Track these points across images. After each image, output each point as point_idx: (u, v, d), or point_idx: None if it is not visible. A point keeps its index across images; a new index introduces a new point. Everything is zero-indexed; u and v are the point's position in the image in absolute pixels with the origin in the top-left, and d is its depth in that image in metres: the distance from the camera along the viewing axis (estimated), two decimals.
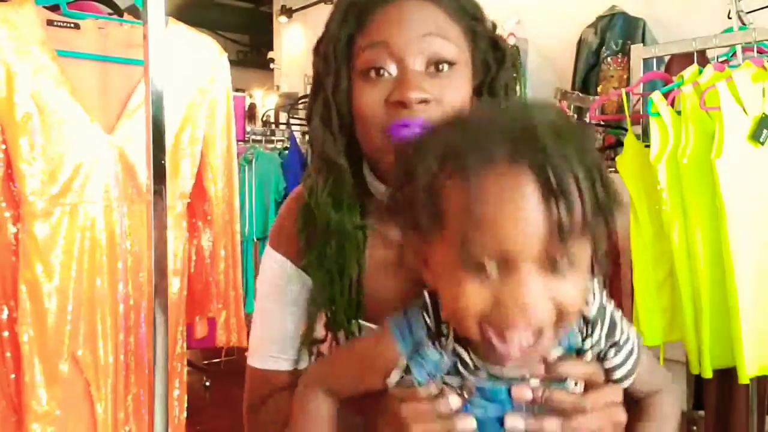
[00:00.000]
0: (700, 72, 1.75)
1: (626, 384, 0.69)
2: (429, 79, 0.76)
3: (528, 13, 3.28)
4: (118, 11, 1.67)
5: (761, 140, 1.64)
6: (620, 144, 2.13)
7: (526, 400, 0.63)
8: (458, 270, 0.57)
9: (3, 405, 1.49)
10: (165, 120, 1.29)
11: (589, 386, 0.67)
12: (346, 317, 0.82)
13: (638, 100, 2.10)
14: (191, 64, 1.65)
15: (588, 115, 2.44)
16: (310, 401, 0.73)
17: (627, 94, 1.93)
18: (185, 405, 1.70)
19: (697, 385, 2.11)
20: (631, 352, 0.68)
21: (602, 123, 2.50)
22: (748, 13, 2.16)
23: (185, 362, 1.73)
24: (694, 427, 2.34)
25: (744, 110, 1.65)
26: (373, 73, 0.77)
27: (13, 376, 1.48)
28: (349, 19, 0.80)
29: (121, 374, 1.56)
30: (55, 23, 1.51)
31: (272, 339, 0.88)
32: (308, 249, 0.83)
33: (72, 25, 1.54)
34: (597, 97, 2.60)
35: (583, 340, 0.66)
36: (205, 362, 3.86)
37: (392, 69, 0.77)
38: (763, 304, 1.67)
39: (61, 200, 1.47)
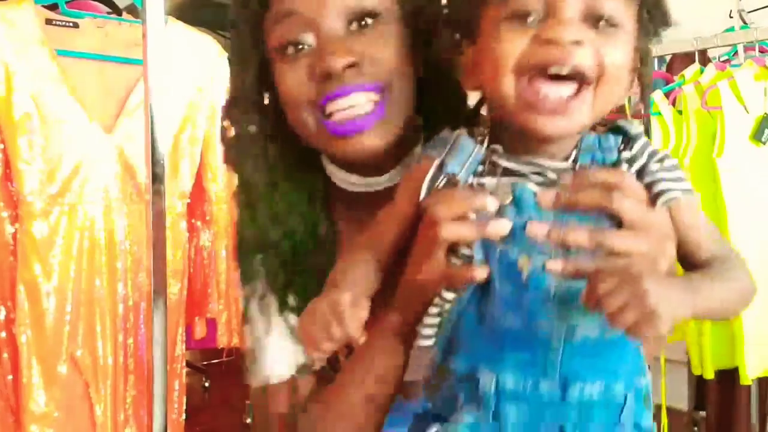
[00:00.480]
0: (702, 71, 1.75)
1: (671, 201, 0.58)
2: (354, 38, 0.67)
3: None
4: (117, 10, 1.66)
5: (762, 139, 1.64)
6: None
7: (550, 203, 0.57)
8: (501, 23, 0.56)
9: (1, 406, 1.49)
10: (164, 120, 1.29)
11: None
12: None
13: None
14: (191, 63, 1.65)
15: None
16: (349, 255, 0.66)
17: None
18: (184, 406, 1.69)
19: (698, 386, 2.11)
20: (679, 179, 0.59)
21: (603, 123, 2.49)
22: (749, 12, 2.16)
23: (184, 363, 1.73)
24: (696, 428, 2.34)
25: (745, 109, 1.65)
26: (290, 50, 0.67)
27: (10, 377, 1.48)
28: (251, 1, 0.71)
29: (120, 375, 1.55)
30: (54, 22, 1.51)
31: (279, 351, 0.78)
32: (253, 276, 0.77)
33: (71, 24, 1.53)
34: None
35: (620, 152, 0.60)
36: (205, 363, 3.85)
37: (309, 39, 0.67)
38: (764, 305, 1.65)
39: (59, 200, 1.47)
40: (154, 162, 1.27)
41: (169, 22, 1.59)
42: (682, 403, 2.23)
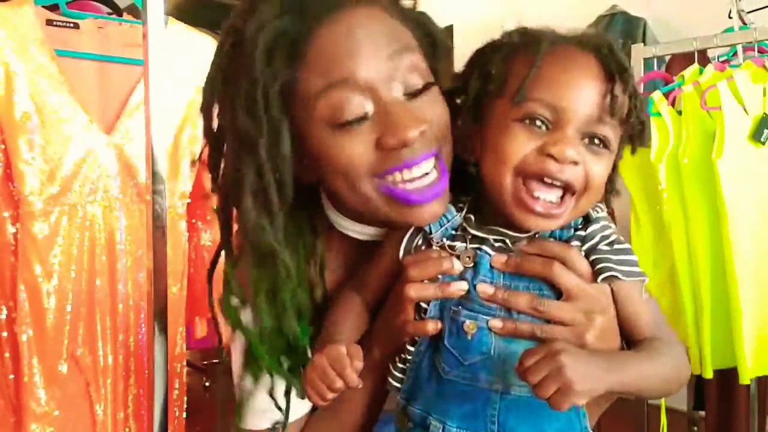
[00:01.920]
0: (701, 72, 1.74)
1: (610, 279, 0.66)
2: (412, 104, 0.65)
3: (528, 13, 3.28)
4: (117, 11, 1.67)
5: (762, 140, 1.64)
6: None
7: (501, 266, 0.66)
8: (512, 122, 0.64)
9: (2, 405, 1.49)
10: (164, 120, 1.29)
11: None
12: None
13: None
14: (191, 63, 1.65)
15: None
16: (343, 295, 0.74)
17: None
18: (185, 405, 1.70)
19: (697, 386, 2.11)
20: (625, 262, 0.66)
21: None
22: (748, 12, 2.16)
23: (185, 363, 1.73)
24: (695, 428, 2.34)
25: (745, 110, 1.65)
26: (348, 118, 0.63)
27: (12, 376, 1.48)
28: (279, 56, 0.63)
29: (120, 375, 1.55)
30: (55, 23, 1.51)
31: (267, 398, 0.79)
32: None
33: (71, 24, 1.53)
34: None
35: (576, 230, 0.68)
36: (205, 362, 3.85)
37: (368, 107, 0.63)
38: (763, 305, 1.66)
39: (60, 200, 1.47)
40: (155, 162, 1.28)
41: (170, 23, 1.60)
42: (682, 403, 2.23)
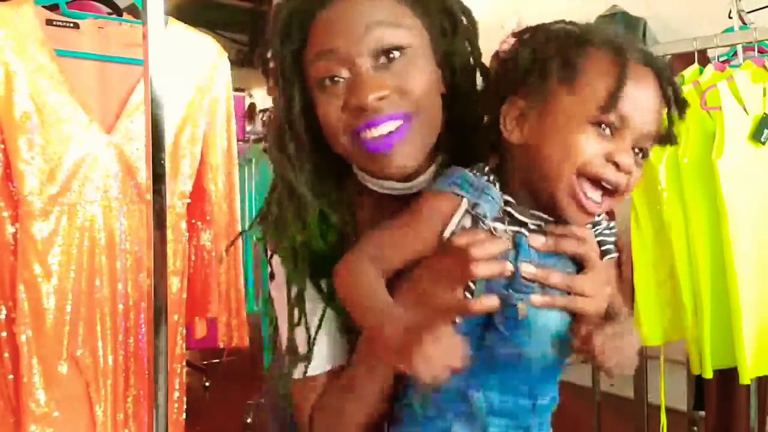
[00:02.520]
0: (701, 71, 1.75)
1: (612, 257, 0.78)
2: (383, 72, 0.75)
3: (528, 13, 3.28)
4: (117, 11, 1.67)
5: (762, 140, 1.64)
6: None
7: (542, 246, 0.73)
8: (582, 123, 0.69)
9: (1, 406, 1.49)
10: (164, 120, 1.29)
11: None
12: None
13: None
14: (191, 63, 1.65)
15: None
16: (356, 266, 0.75)
17: None
18: (185, 406, 1.69)
19: (698, 386, 2.11)
20: (615, 241, 0.78)
21: None
22: (748, 12, 2.16)
23: (185, 363, 1.73)
24: (695, 428, 2.34)
25: (745, 110, 1.65)
26: (327, 82, 0.76)
27: (11, 376, 1.48)
28: (293, 32, 0.79)
29: (120, 375, 1.55)
30: (55, 23, 1.51)
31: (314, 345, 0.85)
32: (288, 266, 0.83)
33: (71, 24, 1.53)
34: None
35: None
36: (205, 362, 3.85)
37: (344, 73, 0.76)
38: (764, 304, 1.66)
39: (59, 200, 1.47)
40: (155, 162, 1.28)
41: (170, 23, 1.60)
42: (682, 403, 2.23)
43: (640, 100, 0.70)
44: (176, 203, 1.63)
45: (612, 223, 0.78)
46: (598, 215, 0.74)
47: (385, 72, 0.75)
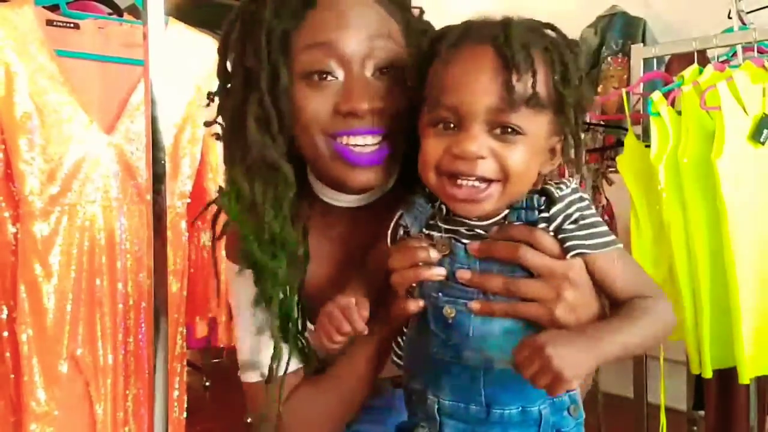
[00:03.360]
0: (701, 72, 1.75)
1: (579, 255, 0.71)
2: (376, 85, 0.74)
3: (528, 13, 3.27)
4: (117, 11, 1.67)
5: (761, 140, 1.64)
6: (620, 144, 2.13)
7: (476, 251, 0.71)
8: (426, 128, 0.70)
9: (2, 405, 1.49)
10: (165, 120, 1.29)
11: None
12: (293, 323, 0.82)
13: (638, 100, 2.10)
14: (191, 63, 1.65)
15: (588, 115, 2.43)
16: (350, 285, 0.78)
17: (627, 93, 1.93)
18: (185, 405, 1.70)
19: (697, 385, 2.11)
20: (593, 235, 0.71)
21: (602, 123, 2.50)
22: (748, 12, 2.16)
23: (185, 362, 1.73)
24: (695, 427, 2.34)
25: (744, 110, 1.65)
26: (316, 77, 0.73)
27: (12, 376, 1.48)
28: (286, 10, 0.74)
29: (120, 374, 1.56)
30: (55, 23, 1.51)
31: (260, 352, 0.85)
32: (248, 261, 0.80)
33: (72, 25, 1.54)
34: (597, 97, 2.60)
35: (540, 212, 0.72)
36: (205, 362, 3.86)
37: (338, 73, 0.73)
38: (763, 304, 1.66)
39: (60, 200, 1.47)
40: (155, 162, 1.28)
41: (170, 23, 1.60)
42: (681, 403, 2.23)
43: (465, 83, 0.66)
44: (176, 203, 1.63)
45: (577, 216, 0.71)
46: (488, 201, 0.69)
47: (377, 86, 0.75)
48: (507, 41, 0.66)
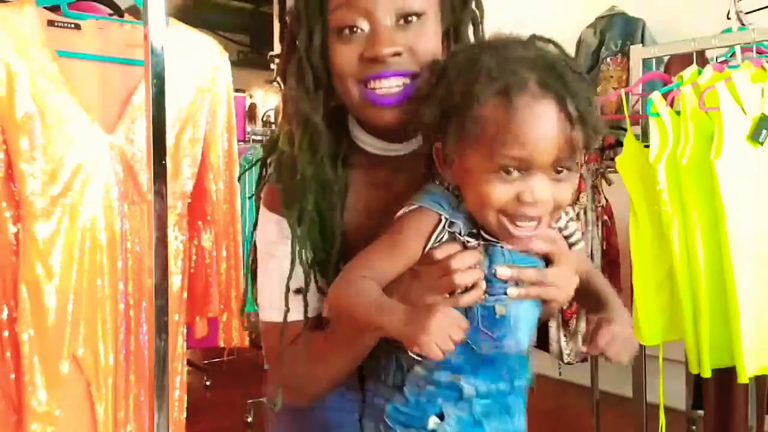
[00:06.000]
0: (700, 72, 1.75)
1: (578, 248, 0.88)
2: (399, 32, 0.82)
3: (527, 13, 3.28)
4: (118, 11, 1.67)
5: (760, 140, 1.65)
6: (620, 144, 2.14)
7: (514, 247, 0.79)
8: (488, 173, 0.75)
9: (3, 405, 1.49)
10: (165, 120, 1.30)
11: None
12: (331, 263, 0.89)
13: (637, 100, 2.10)
14: (192, 64, 1.65)
15: None
16: (354, 280, 0.80)
17: (626, 94, 1.94)
18: (185, 405, 1.70)
19: (696, 385, 2.11)
20: (577, 229, 0.89)
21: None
22: (747, 13, 2.17)
23: (185, 362, 1.73)
24: (694, 427, 2.35)
25: (743, 110, 1.65)
26: (347, 31, 0.82)
27: (13, 376, 1.48)
28: None
29: (121, 374, 1.56)
30: (56, 24, 1.52)
31: (280, 293, 0.90)
32: (289, 202, 0.88)
33: (72, 25, 1.54)
34: (596, 98, 2.60)
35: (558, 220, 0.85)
36: (205, 362, 3.86)
37: (364, 25, 0.82)
38: (762, 304, 1.67)
39: (61, 200, 1.48)
40: (156, 162, 1.28)
41: (171, 23, 1.60)
42: (680, 402, 2.24)
43: (536, 134, 0.72)
44: (177, 203, 1.64)
45: (571, 213, 0.87)
46: (537, 236, 0.79)
47: (402, 32, 0.82)
48: (570, 96, 0.73)
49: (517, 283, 0.80)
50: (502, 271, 0.79)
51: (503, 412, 0.83)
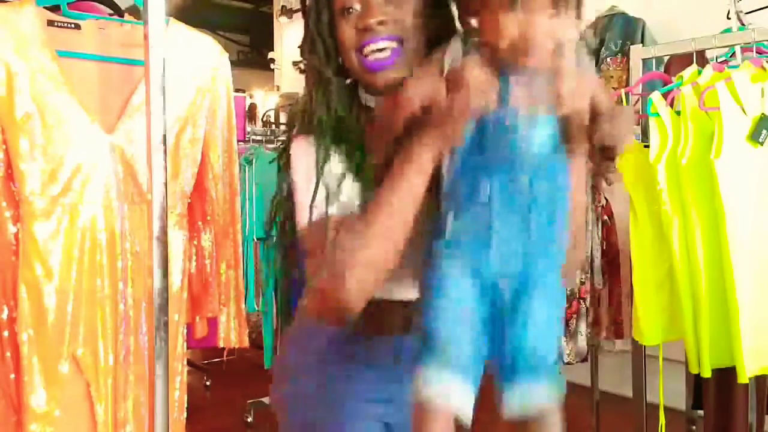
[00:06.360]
0: (700, 72, 1.75)
1: None
2: (385, 5, 0.98)
3: None
4: (118, 11, 1.67)
5: (760, 140, 1.65)
6: None
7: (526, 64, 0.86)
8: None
9: (2, 405, 1.49)
10: (165, 120, 1.30)
11: None
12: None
13: (638, 100, 2.10)
14: (192, 64, 1.65)
15: None
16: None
17: (626, 94, 1.94)
18: (185, 405, 1.70)
19: (696, 385, 2.11)
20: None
21: None
22: (747, 13, 2.17)
23: (185, 362, 1.73)
24: (694, 427, 2.35)
25: (743, 110, 1.66)
26: (346, 12, 1.00)
27: (13, 376, 1.48)
28: None
29: (121, 374, 1.56)
30: (56, 24, 1.52)
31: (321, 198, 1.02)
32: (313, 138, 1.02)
33: (72, 25, 1.54)
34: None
35: None
36: (205, 362, 3.86)
37: (357, 6, 0.99)
38: (762, 304, 1.67)
39: (61, 200, 1.48)
40: (156, 162, 1.28)
41: (171, 23, 1.60)
42: (680, 402, 2.24)
43: None
44: (177, 203, 1.64)
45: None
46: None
47: (387, 5, 0.98)
48: None
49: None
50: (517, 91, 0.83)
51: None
